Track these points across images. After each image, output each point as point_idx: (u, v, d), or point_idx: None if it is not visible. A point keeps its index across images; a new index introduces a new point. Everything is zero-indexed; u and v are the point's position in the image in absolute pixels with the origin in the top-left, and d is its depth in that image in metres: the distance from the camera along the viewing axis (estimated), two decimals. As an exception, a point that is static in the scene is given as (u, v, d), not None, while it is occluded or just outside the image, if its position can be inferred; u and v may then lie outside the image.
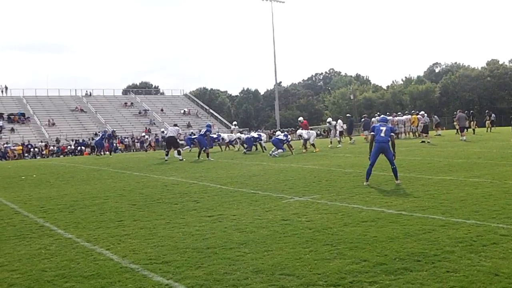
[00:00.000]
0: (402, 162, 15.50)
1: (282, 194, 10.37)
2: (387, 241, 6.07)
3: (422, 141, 26.07)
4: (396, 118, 32.25)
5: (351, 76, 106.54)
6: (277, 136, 23.72)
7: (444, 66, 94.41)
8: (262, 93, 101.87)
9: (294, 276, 4.93)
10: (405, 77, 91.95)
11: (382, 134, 11.25)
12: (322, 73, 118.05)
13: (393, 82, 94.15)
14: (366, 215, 7.72)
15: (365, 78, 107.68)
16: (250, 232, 6.94)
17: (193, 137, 29.82)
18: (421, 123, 28.57)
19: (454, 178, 11.38)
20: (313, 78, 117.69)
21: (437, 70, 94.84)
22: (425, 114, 29.62)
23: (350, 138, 30.79)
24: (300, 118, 30.08)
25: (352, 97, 77.74)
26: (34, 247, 6.72)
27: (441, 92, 76.52)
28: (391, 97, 79.58)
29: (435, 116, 35.70)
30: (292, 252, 5.80)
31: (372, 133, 11.68)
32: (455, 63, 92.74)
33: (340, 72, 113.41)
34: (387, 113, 34.46)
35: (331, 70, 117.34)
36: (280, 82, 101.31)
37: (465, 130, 29.20)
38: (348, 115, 37.12)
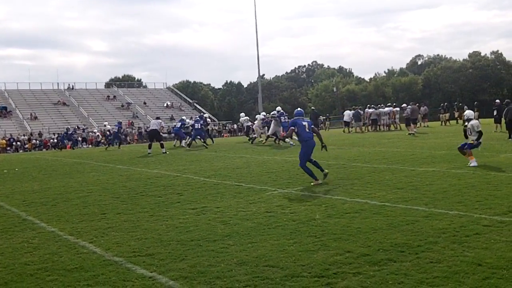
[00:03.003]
0: (385, 154, 15.64)
1: (265, 186, 10.38)
2: (371, 232, 6.12)
3: (410, 133, 26.23)
4: (379, 110, 32.49)
5: (334, 68, 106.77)
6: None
7: (426, 59, 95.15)
8: (245, 86, 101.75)
9: (278, 268, 4.94)
10: (388, 70, 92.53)
11: (307, 130, 10.75)
12: (305, 66, 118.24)
13: (375, 74, 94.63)
14: (349, 207, 7.76)
15: (348, 70, 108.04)
16: (234, 224, 6.95)
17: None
18: (404, 116, 28.89)
19: (437, 169, 11.50)
20: (296, 71, 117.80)
21: (419, 63, 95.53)
22: (409, 107, 29.91)
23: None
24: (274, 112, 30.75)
25: (335, 90, 77.95)
26: (16, 240, 6.67)
27: (424, 84, 77.04)
28: (373, 90, 79.89)
29: (425, 107, 35.60)
30: (276, 244, 5.81)
31: (292, 127, 10.90)
32: (438, 55, 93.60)
33: (323, 65, 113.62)
34: (371, 105, 34.64)
35: (314, 63, 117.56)
36: (263, 75, 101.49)
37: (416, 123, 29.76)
38: (312, 108, 37.73)
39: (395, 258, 5.07)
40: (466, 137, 12.58)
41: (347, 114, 33.17)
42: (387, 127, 32.40)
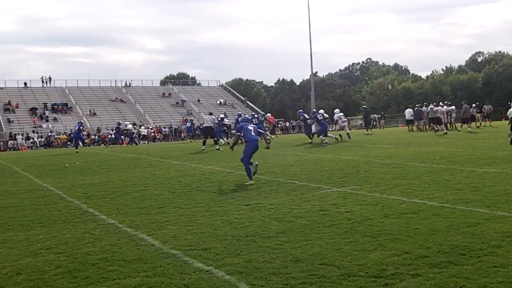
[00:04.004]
0: (443, 154, 15.21)
1: (319, 184, 10.31)
2: (430, 233, 5.96)
3: (468, 131, 25.52)
4: (436, 109, 31.54)
5: (389, 66, 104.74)
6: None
7: (487, 56, 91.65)
8: (297, 83, 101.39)
9: (334, 267, 4.90)
10: (446, 67, 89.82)
11: (253, 134, 11.57)
12: (359, 63, 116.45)
13: (433, 72, 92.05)
14: (407, 207, 7.60)
15: (403, 67, 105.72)
16: (288, 222, 6.94)
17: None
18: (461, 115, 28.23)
19: (499, 170, 11.08)
20: (350, 68, 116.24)
21: (479, 60, 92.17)
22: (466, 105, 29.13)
23: (367, 129, 31.56)
24: (268, 114, 30.78)
25: (390, 87, 76.48)
26: (78, 231, 6.92)
27: (484, 82, 74.36)
28: (430, 88, 77.79)
29: (489, 106, 34.44)
30: (331, 243, 5.76)
31: (238, 133, 11.89)
32: (499, 52, 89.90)
33: (378, 62, 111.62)
34: (425, 103, 33.71)
35: (368, 60, 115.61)
36: (316, 72, 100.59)
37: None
38: (364, 106, 37.21)
39: (455, 261, 4.92)
40: None
41: (409, 112, 32.23)
42: (445, 126, 31.54)
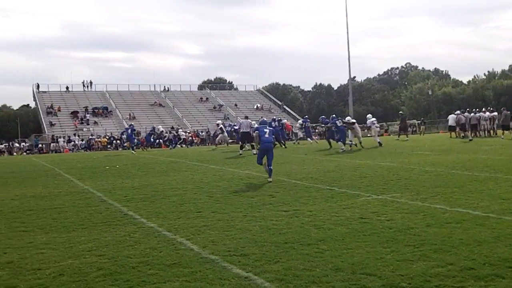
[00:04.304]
0: (486, 161, 14.79)
1: (359, 191, 10.17)
2: (475, 244, 5.77)
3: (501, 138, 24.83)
4: (479, 115, 30.74)
5: (429, 70, 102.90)
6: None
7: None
8: (335, 88, 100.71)
9: (376, 276, 4.79)
10: (488, 72, 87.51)
11: (267, 135, 12.66)
12: (398, 68, 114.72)
13: (474, 76, 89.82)
14: (450, 216, 7.39)
15: (444, 72, 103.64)
16: (327, 229, 6.85)
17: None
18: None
19: (546, 180, 10.68)
20: (389, 73, 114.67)
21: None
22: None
23: (406, 135, 31.39)
24: (285, 120, 31.00)
25: (430, 93, 75.03)
26: (119, 234, 7.00)
27: (529, 88, 72.07)
28: (472, 93, 75.95)
29: None
30: (372, 252, 5.65)
31: (256, 132, 13.36)
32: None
33: (417, 67, 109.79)
34: (467, 109, 32.89)
35: (407, 65, 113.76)
36: (354, 77, 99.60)
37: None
38: (400, 112, 36.82)
39: (503, 274, 4.74)
40: None
41: (452, 118, 31.43)
42: (488, 133, 30.75)
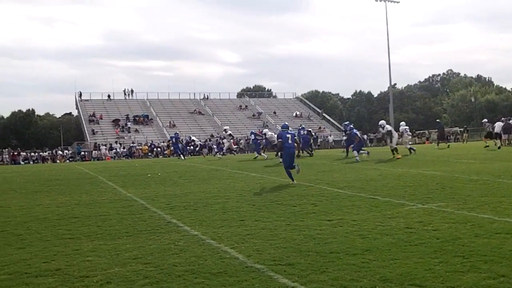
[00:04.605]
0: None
1: (403, 200, 9.99)
2: (528, 256, 5.58)
3: None
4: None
5: (471, 77, 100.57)
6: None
7: None
8: (375, 95, 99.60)
9: (425, 288, 4.69)
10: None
11: (290, 141, 13.72)
12: (439, 75, 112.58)
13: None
14: (499, 227, 7.17)
15: (487, 79, 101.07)
16: (373, 239, 6.75)
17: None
18: None
19: None
20: (430, 80, 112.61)
21: None
22: None
23: (447, 144, 30.74)
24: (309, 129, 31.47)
25: (473, 100, 73.31)
26: (163, 242, 7.07)
27: None
28: (517, 100, 73.85)
29: None
30: (420, 262, 5.53)
31: (280, 140, 14.07)
32: None
33: (459, 73, 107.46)
34: (508, 117, 32.03)
35: (449, 71, 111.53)
36: (395, 84, 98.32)
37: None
38: (437, 120, 36.56)
39: (560, 287, 4.57)
40: None
41: (498, 126, 30.56)
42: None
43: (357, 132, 23.05)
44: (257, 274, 5.32)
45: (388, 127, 22.93)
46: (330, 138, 55.29)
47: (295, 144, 14.29)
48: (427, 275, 5.06)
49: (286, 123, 15.68)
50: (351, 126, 24.85)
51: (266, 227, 7.81)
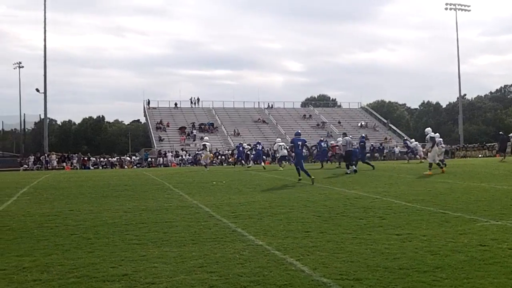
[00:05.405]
0: None
1: (475, 216, 9.55)
2: None
3: None
4: None
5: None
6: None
7: None
8: (444, 106, 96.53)
9: (503, 311, 4.43)
10: None
11: (300, 148, 17.54)
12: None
13: None
14: None
15: None
16: (444, 256, 6.47)
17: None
18: None
19: None
20: (502, 90, 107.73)
21: None
22: None
23: (502, 156, 31.69)
24: (332, 142, 32.34)
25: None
26: (228, 251, 7.07)
27: None
28: None
29: None
30: (496, 283, 5.24)
31: (292, 144, 17.46)
32: None
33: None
34: None
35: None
36: (465, 95, 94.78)
37: None
38: (500, 133, 35.60)
39: None
40: None
41: None
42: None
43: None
44: (324, 288, 5.22)
45: (432, 135, 21.71)
46: (396, 149, 54.03)
47: (305, 151, 17.67)
48: (505, 298, 4.78)
49: (299, 131, 18.50)
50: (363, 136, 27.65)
51: (332, 239, 7.67)
